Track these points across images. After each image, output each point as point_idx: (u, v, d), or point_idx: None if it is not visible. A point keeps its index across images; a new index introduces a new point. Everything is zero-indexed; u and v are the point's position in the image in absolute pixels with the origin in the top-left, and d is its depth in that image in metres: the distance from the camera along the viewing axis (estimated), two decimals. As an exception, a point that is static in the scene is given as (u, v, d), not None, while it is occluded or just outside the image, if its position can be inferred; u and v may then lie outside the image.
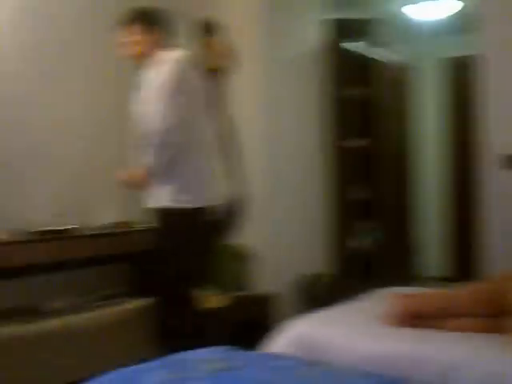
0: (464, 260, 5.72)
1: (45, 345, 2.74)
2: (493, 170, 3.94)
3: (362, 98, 5.17)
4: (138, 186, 2.94)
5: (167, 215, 2.93)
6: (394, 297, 2.63)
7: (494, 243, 3.93)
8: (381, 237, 5.24)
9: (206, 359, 1.86)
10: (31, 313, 2.92)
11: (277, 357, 2.09)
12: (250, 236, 3.94)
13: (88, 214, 3.44)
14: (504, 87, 3.90)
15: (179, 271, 2.98)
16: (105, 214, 3.45)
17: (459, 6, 5.17)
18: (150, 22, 3.08)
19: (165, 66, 2.92)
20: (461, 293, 2.62)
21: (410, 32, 5.78)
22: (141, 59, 3.04)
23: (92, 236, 3.25)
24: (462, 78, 5.83)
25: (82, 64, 3.59)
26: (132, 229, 3.44)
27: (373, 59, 5.28)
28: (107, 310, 3.07)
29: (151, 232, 3.09)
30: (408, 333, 2.41)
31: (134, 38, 3.03)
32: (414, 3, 5.17)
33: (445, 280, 5.71)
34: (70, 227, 3.12)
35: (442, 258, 6.24)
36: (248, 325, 3.71)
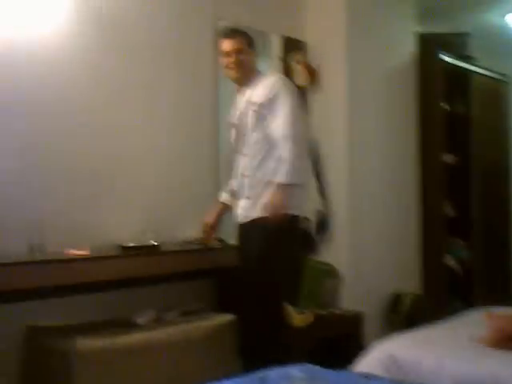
0: None
1: (131, 358, 2.76)
2: None
3: (456, 112, 5.01)
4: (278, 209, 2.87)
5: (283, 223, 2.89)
6: (490, 317, 2.49)
7: None
8: (471, 255, 5.01)
9: (289, 377, 1.80)
10: (119, 326, 2.95)
11: (363, 376, 2.00)
12: (337, 253, 3.87)
13: (172, 230, 3.46)
14: None
15: (275, 284, 2.95)
16: (188, 229, 3.47)
17: None
18: (252, 42, 3.13)
19: (270, 83, 3.01)
20: None
21: (510, 44, 5.56)
22: (243, 79, 3.09)
23: (176, 252, 3.26)
24: None
25: (171, 73, 3.62)
26: (216, 245, 3.42)
27: (469, 72, 5.11)
28: (191, 325, 3.06)
29: (237, 247, 3.12)
30: (505, 355, 2.27)
31: (240, 56, 3.05)
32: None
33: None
34: (153, 243, 3.13)
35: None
36: (334, 343, 3.63)
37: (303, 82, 4.09)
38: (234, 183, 3.20)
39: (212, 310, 3.40)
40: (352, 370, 2.41)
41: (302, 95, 3.27)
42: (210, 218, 3.29)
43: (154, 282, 3.23)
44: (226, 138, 3.34)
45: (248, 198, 3.02)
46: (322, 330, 3.58)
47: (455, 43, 4.96)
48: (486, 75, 5.31)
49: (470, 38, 5.04)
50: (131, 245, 3.07)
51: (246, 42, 3.07)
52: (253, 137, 3.00)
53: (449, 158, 4.93)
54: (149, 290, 3.30)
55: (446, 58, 4.81)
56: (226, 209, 3.28)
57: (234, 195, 3.21)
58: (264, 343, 2.92)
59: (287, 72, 4.00)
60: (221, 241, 3.44)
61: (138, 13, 3.46)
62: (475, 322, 2.73)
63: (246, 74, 3.07)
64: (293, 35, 4.21)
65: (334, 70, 4.23)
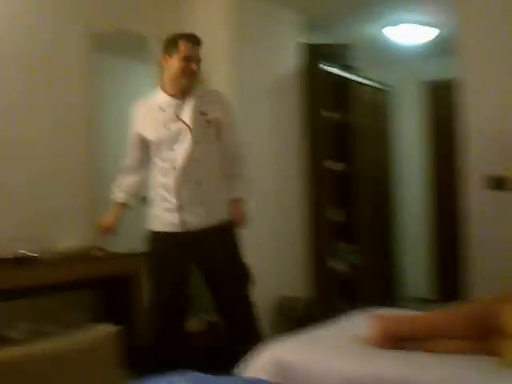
0: (447, 281, 5.66)
1: (6, 373, 2.56)
2: (476, 190, 3.89)
3: (340, 120, 5.12)
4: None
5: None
6: (374, 318, 2.52)
7: (477, 264, 3.86)
8: (359, 259, 5.14)
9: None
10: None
11: (248, 381, 1.95)
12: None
13: (48, 240, 3.29)
14: (481, 109, 3.88)
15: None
16: (66, 239, 3.32)
17: (435, 32, 5.20)
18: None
19: (221, 100, 3.13)
20: (449, 314, 2.54)
21: (389, 55, 5.79)
22: (190, 88, 3.03)
23: (54, 263, 3.12)
24: (441, 101, 5.83)
25: (41, 79, 3.49)
26: (98, 255, 3.30)
27: (352, 82, 5.24)
28: (69, 337, 2.90)
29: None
30: (390, 355, 2.31)
31: (198, 65, 3.02)
32: (393, 25, 5.18)
33: (427, 301, 5.63)
34: (29, 254, 2.97)
35: (425, 280, 6.15)
36: (225, 349, 3.57)
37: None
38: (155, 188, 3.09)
39: (96, 321, 3.27)
40: (237, 375, 2.36)
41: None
42: (106, 220, 3.18)
43: (31, 294, 3.06)
44: (101, 147, 3.34)
45: (202, 204, 3.01)
46: (216, 337, 3.57)
47: (338, 54, 5.08)
48: (368, 85, 5.49)
49: (352, 48, 5.18)
50: (4, 257, 2.90)
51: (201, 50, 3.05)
52: (207, 147, 3.02)
53: (338, 166, 5.04)
54: (26, 303, 3.13)
55: (329, 69, 4.91)
56: (124, 209, 3.21)
57: (145, 201, 3.16)
58: (152, 351, 2.92)
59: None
60: (101, 249, 3.33)
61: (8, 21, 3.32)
62: (360, 324, 2.76)
63: (193, 84, 3.04)
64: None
65: (218, 77, 4.20)
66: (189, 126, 2.95)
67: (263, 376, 2.25)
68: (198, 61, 2.98)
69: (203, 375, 1.87)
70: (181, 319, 3.10)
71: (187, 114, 2.97)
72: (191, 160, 2.97)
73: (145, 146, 3.07)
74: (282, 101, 4.73)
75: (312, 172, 4.84)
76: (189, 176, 2.97)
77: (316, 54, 4.88)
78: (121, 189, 3.18)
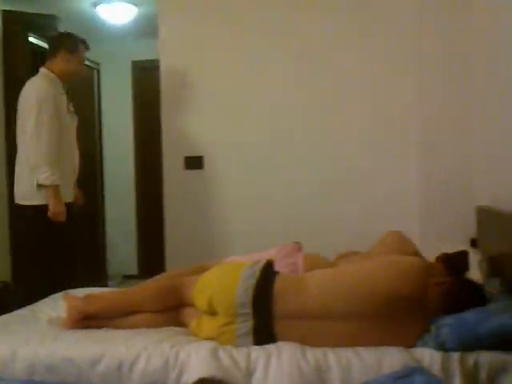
0: (150, 258, 5.84)
1: None
2: (177, 169, 4.06)
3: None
4: None
5: None
6: (67, 298, 2.52)
7: (173, 240, 4.05)
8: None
9: None
10: None
11: None
12: None
13: None
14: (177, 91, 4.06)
15: None
16: None
17: (135, 11, 5.25)
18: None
19: None
20: (141, 290, 2.66)
21: (98, 32, 5.68)
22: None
23: None
24: (148, 82, 5.90)
25: None
26: None
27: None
28: None
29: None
30: (83, 335, 2.34)
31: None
32: (105, 3, 5.11)
33: (131, 278, 5.75)
34: None
35: (130, 257, 6.27)
36: None
37: None
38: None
39: None
40: None
41: None
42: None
43: None
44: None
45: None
46: None
47: (44, 25, 4.84)
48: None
49: (59, 21, 4.98)
50: None
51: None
52: None
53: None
54: None
55: (32, 39, 4.68)
56: None
57: None
58: None
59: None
60: None
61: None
62: (58, 305, 2.74)
63: None
64: None
65: None
66: None
67: None
68: None
69: None
70: None
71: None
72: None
73: None
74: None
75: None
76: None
77: (19, 22, 4.62)
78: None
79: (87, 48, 3.79)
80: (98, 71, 5.83)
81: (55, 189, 3.42)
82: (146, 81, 6.07)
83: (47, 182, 3.38)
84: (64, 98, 3.64)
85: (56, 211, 3.42)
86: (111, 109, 6.08)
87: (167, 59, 4.12)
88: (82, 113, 5.41)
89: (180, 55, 4.10)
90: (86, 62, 5.52)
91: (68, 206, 3.56)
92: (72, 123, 3.70)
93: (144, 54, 5.81)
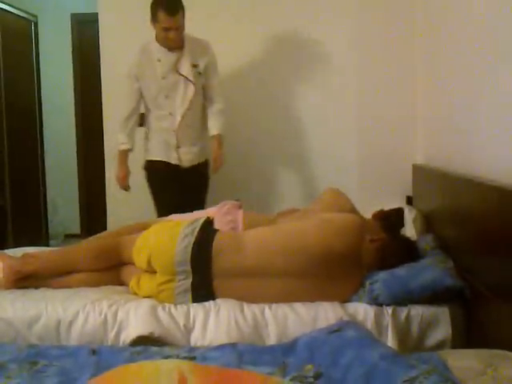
0: (94, 217, 5.79)
1: None
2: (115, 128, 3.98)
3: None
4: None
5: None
6: (4, 259, 2.48)
7: (115, 200, 4.00)
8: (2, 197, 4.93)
9: None
10: None
11: None
12: None
13: None
14: (115, 44, 3.95)
15: None
16: None
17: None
18: (184, 9, 3.23)
19: (207, 49, 3.38)
20: (81, 248, 2.64)
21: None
22: (177, 45, 3.30)
23: None
24: (88, 36, 5.72)
25: None
26: None
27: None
28: None
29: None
30: (20, 296, 2.30)
31: (179, 30, 3.23)
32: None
33: (74, 237, 5.69)
34: None
35: (74, 215, 6.18)
36: None
37: None
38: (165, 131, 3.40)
39: None
40: None
41: None
42: (121, 171, 3.49)
43: None
44: None
45: (194, 145, 3.46)
46: None
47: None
48: (13, 13, 5.15)
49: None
50: None
51: (183, 14, 3.20)
52: (196, 94, 3.36)
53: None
54: None
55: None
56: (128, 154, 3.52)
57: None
58: None
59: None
60: None
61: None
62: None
63: (181, 41, 3.30)
64: None
65: None
66: (190, 80, 3.31)
67: None
68: (176, 29, 3.20)
69: None
70: None
71: (184, 68, 3.31)
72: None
73: (140, 95, 3.40)
74: None
75: None
76: (182, 120, 3.36)
77: None
78: (124, 138, 3.45)
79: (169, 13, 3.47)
80: (36, 23, 5.62)
81: None
82: (86, 36, 5.89)
83: None
84: None
85: None
86: (50, 62, 5.89)
87: (106, 14, 3.99)
88: (18, 67, 5.30)
89: (119, 10, 3.97)
90: (23, 14, 5.34)
91: None
92: None
93: (83, 7, 5.62)
